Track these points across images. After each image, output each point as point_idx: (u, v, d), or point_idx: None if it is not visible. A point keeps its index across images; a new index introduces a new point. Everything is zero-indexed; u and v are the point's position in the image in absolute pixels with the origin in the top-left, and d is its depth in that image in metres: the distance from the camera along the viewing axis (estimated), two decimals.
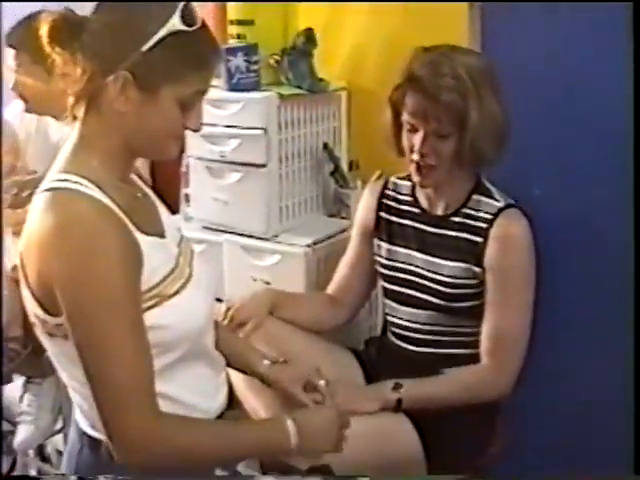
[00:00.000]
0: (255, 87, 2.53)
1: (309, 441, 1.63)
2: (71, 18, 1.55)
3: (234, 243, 2.60)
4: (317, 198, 2.75)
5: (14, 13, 2.81)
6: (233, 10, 2.60)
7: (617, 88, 2.19)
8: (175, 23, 1.49)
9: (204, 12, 2.79)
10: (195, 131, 1.62)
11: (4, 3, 2.91)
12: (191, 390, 1.66)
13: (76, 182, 1.50)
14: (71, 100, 1.57)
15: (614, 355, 2.32)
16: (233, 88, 2.51)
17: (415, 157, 2.07)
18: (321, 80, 2.62)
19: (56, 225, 1.45)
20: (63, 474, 1.73)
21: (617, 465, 2.15)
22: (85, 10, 1.58)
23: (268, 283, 2.52)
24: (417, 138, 2.06)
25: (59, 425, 2.97)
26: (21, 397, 2.90)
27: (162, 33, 1.48)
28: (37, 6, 2.84)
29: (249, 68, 2.50)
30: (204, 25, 1.54)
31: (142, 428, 1.47)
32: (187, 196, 2.75)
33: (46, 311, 1.51)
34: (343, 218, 2.70)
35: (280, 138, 2.54)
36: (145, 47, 1.48)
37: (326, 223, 2.71)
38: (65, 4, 2.59)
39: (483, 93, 2.02)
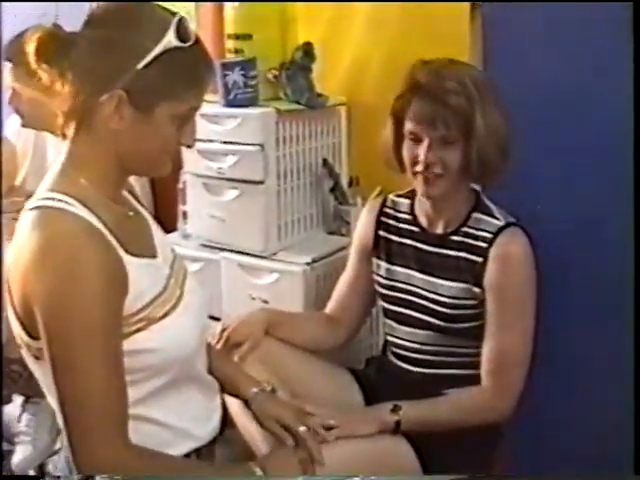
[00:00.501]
0: (253, 102, 2.50)
1: None
2: (59, 35, 1.53)
3: (232, 261, 2.58)
4: (316, 215, 2.72)
5: (13, 29, 2.80)
6: (231, 24, 2.57)
7: (618, 91, 2.18)
8: (171, 39, 1.47)
9: (202, 26, 2.81)
10: (189, 147, 1.60)
11: (4, 3, 2.91)
12: (181, 415, 1.64)
13: (63, 201, 1.48)
14: (60, 119, 1.55)
15: (614, 355, 2.31)
16: (230, 104, 2.48)
17: (419, 168, 2.03)
18: (320, 95, 2.60)
19: (39, 244, 1.43)
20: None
21: (617, 465, 2.14)
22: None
23: (266, 302, 2.50)
24: (421, 148, 2.01)
25: (58, 445, 2.94)
26: (19, 417, 2.87)
27: (158, 50, 1.46)
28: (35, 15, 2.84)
29: (247, 83, 2.47)
30: (198, 40, 1.52)
31: (107, 456, 1.45)
32: (184, 213, 2.73)
33: (28, 334, 1.50)
34: (343, 235, 2.67)
35: (278, 154, 2.51)
36: (141, 65, 1.46)
37: (325, 240, 2.68)
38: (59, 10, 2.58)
39: (486, 102, 2.00)
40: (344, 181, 2.73)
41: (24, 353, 1.56)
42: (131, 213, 1.65)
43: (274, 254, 2.55)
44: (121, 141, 1.51)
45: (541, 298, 2.10)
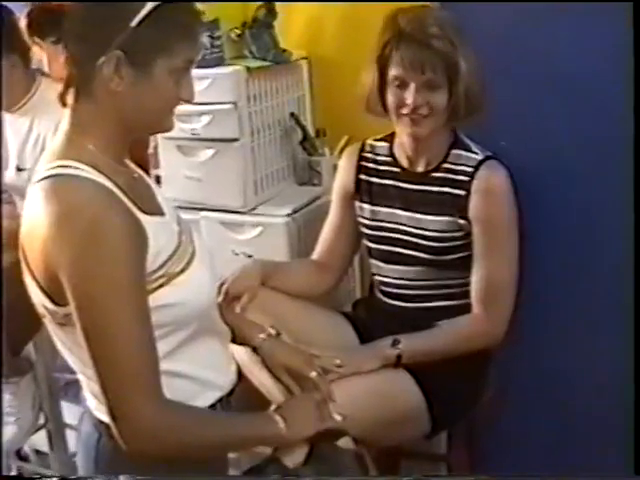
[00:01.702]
0: (220, 62, 2.54)
1: (294, 427, 1.64)
2: (47, 7, 1.55)
3: (212, 219, 2.62)
4: (288, 168, 2.77)
5: None
6: None
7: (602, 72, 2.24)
8: None
9: None
10: (188, 102, 1.61)
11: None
12: (205, 366, 1.67)
13: (74, 167, 1.49)
14: (60, 87, 1.56)
15: (614, 355, 2.35)
16: (199, 65, 2.46)
17: (406, 111, 2.09)
18: (284, 51, 2.65)
19: (58, 213, 1.44)
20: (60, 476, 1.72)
21: (617, 465, 2.18)
22: None
23: (250, 256, 2.55)
24: (408, 92, 2.08)
25: (41, 421, 2.96)
26: None
27: (150, 6, 1.47)
28: None
29: (213, 44, 2.50)
30: None
31: (147, 412, 1.47)
32: (158, 178, 2.74)
33: (54, 302, 1.51)
34: (314, 185, 2.74)
35: (250, 111, 2.56)
36: (134, 23, 1.47)
37: (299, 191, 2.74)
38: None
39: (465, 44, 2.08)
40: (311, 133, 2.79)
41: (47, 322, 1.57)
42: (136, 175, 1.67)
43: (253, 209, 2.60)
44: (123, 102, 1.52)
45: (523, 231, 2.18)
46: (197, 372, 1.65)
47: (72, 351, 1.58)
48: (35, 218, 1.48)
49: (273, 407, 1.92)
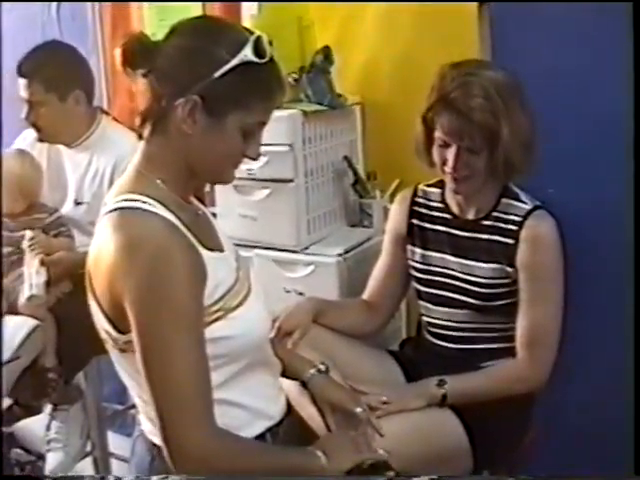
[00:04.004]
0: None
1: (334, 461, 1.69)
2: (143, 41, 1.64)
3: (265, 257, 2.69)
4: (339, 209, 2.85)
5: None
6: None
7: (618, 88, 2.27)
8: (247, 53, 1.56)
9: None
10: (253, 159, 1.69)
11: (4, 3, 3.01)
12: (258, 396, 1.74)
13: (142, 201, 1.58)
14: (138, 119, 1.65)
15: (614, 355, 2.39)
16: None
17: (448, 170, 2.18)
18: (340, 96, 2.73)
19: (125, 244, 1.52)
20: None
21: (617, 465, 2.20)
22: None
23: (301, 294, 2.61)
24: (450, 153, 2.15)
25: (88, 448, 3.04)
26: (48, 425, 2.94)
27: (235, 62, 1.56)
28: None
29: None
30: (272, 59, 1.61)
31: (197, 438, 1.54)
32: (214, 215, 2.82)
33: (117, 329, 1.59)
34: (365, 227, 2.81)
35: (305, 153, 2.64)
36: (217, 74, 1.56)
37: (350, 233, 2.81)
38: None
39: (512, 109, 2.11)
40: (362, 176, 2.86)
41: (109, 347, 1.65)
42: (200, 212, 1.76)
43: (305, 248, 2.67)
44: (191, 146, 1.61)
45: (568, 276, 2.22)
46: (249, 401, 1.72)
47: (131, 376, 1.65)
48: (103, 248, 1.57)
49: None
